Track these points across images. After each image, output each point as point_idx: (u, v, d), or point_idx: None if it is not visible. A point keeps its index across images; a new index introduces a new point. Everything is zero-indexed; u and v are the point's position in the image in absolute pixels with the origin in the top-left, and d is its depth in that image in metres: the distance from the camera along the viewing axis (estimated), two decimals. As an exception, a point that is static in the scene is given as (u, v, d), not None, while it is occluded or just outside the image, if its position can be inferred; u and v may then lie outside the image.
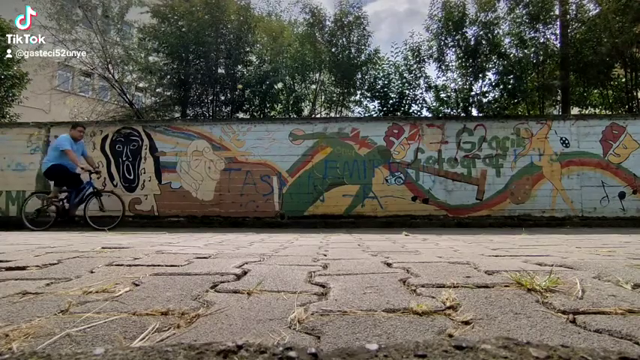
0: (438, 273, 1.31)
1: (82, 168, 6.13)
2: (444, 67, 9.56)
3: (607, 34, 8.28)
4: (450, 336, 0.70)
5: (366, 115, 10.13)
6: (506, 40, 9.33)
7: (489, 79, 9.42)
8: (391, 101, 9.67)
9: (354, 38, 9.88)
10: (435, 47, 9.53)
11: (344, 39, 9.86)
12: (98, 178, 6.54)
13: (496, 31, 8.99)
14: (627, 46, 8.32)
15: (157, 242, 2.79)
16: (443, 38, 9.30)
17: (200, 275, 1.28)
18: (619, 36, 8.00)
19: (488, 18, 9.07)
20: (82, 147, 6.36)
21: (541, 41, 9.29)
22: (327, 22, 10.05)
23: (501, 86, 9.26)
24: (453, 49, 9.38)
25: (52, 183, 6.63)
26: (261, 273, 1.34)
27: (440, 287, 1.08)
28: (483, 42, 9.05)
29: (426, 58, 9.58)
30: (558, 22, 9.19)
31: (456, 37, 9.25)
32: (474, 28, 9.16)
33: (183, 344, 0.55)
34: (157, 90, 10.30)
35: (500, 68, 9.10)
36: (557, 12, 9.13)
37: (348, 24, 9.82)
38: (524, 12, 9.18)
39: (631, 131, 7.30)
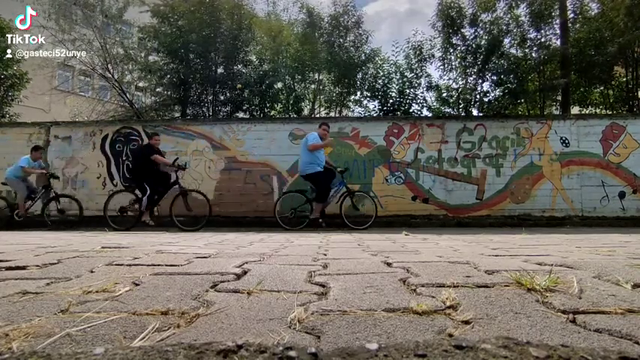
0: (438, 272, 1.31)
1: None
2: (445, 67, 9.56)
3: (610, 34, 8.27)
4: (450, 335, 0.70)
5: (366, 114, 10.13)
6: (507, 40, 9.33)
7: (491, 79, 9.41)
8: (391, 101, 9.66)
9: (351, 38, 9.87)
10: (437, 46, 9.53)
11: (340, 39, 9.85)
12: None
13: (496, 31, 8.97)
14: (630, 45, 8.32)
15: (156, 242, 2.79)
16: (445, 37, 9.29)
17: (200, 275, 1.28)
18: (622, 35, 7.98)
19: (489, 18, 9.07)
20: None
21: (542, 41, 9.29)
22: (324, 22, 10.04)
23: (502, 86, 9.26)
24: (455, 49, 9.37)
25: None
26: (261, 273, 1.34)
27: (440, 287, 1.08)
28: (484, 42, 9.04)
29: (427, 57, 9.57)
30: (558, 22, 9.18)
31: (458, 37, 9.25)
32: (474, 28, 9.16)
33: (183, 344, 0.55)
34: (157, 90, 10.31)
35: (501, 69, 9.09)
36: (558, 11, 9.12)
37: (345, 24, 9.82)
38: (526, 11, 9.18)
39: (631, 131, 7.31)
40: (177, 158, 6.38)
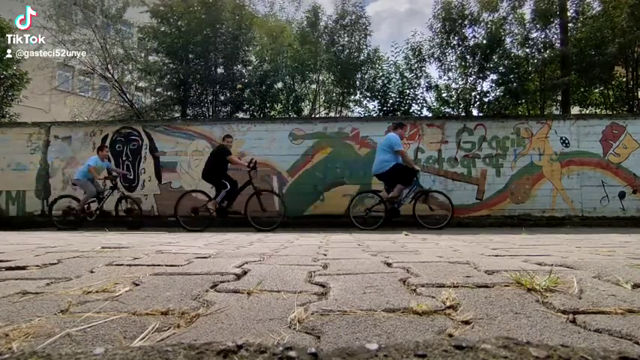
0: (438, 273, 1.31)
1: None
2: (445, 67, 9.56)
3: (611, 34, 8.27)
4: (450, 336, 0.70)
5: (366, 114, 10.13)
6: (508, 40, 9.33)
7: (491, 79, 9.42)
8: (391, 101, 9.66)
9: (355, 38, 9.87)
10: (437, 46, 9.52)
11: (344, 39, 9.85)
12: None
13: (498, 30, 8.97)
14: (631, 45, 8.32)
15: (156, 242, 2.79)
16: (445, 37, 9.29)
17: (200, 275, 1.28)
18: (623, 35, 7.98)
19: (490, 18, 9.06)
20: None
21: (545, 40, 9.29)
22: (328, 22, 10.05)
23: (503, 86, 9.26)
24: (455, 49, 9.37)
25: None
26: (261, 273, 1.34)
27: (440, 287, 1.08)
28: (485, 42, 9.04)
29: (427, 57, 9.57)
30: (558, 21, 9.18)
31: (458, 37, 9.24)
32: (476, 28, 9.16)
33: (183, 344, 0.55)
34: (157, 90, 10.30)
35: (503, 69, 9.09)
36: (558, 11, 9.12)
37: (350, 23, 9.81)
38: (528, 11, 9.19)
39: (631, 131, 7.30)
40: (253, 159, 6.31)
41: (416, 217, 5.97)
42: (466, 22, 9.15)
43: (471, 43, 9.10)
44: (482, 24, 9.05)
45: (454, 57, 9.47)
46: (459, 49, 9.27)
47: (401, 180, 5.80)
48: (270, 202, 6.30)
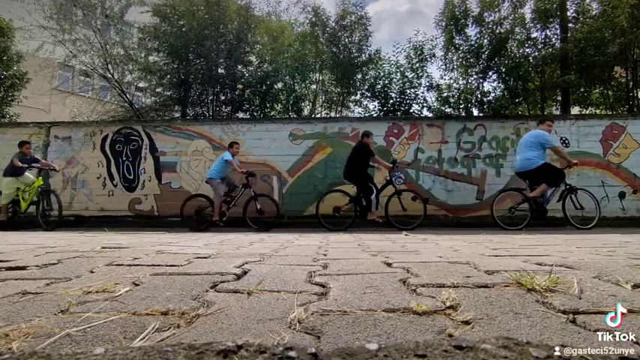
0: (438, 273, 1.31)
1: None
2: (447, 66, 9.56)
3: (610, 34, 8.27)
4: (450, 336, 0.70)
5: (366, 115, 10.14)
6: (510, 39, 9.32)
7: (492, 79, 9.42)
8: (391, 101, 9.66)
9: (356, 38, 9.87)
10: (439, 45, 9.53)
11: (346, 39, 9.85)
12: None
13: (499, 31, 8.97)
14: (631, 46, 8.32)
15: (156, 242, 2.79)
16: (448, 36, 9.29)
17: (200, 275, 1.28)
18: (623, 35, 7.98)
19: (492, 18, 9.06)
20: None
21: (546, 40, 9.29)
22: (329, 22, 10.04)
23: (503, 86, 9.26)
24: (457, 48, 9.37)
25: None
26: (261, 273, 1.34)
27: (440, 287, 1.08)
28: (487, 41, 9.04)
29: (429, 57, 9.56)
30: (558, 21, 9.18)
31: (461, 36, 9.24)
32: (479, 28, 9.15)
33: (183, 344, 0.55)
34: (157, 90, 10.30)
35: (503, 69, 9.09)
36: (558, 11, 9.12)
37: (351, 24, 9.81)
38: (528, 11, 9.19)
39: (631, 131, 7.31)
40: (394, 160, 6.24)
41: (566, 216, 5.63)
42: (469, 22, 9.15)
43: (475, 42, 9.10)
44: (484, 23, 9.04)
45: (457, 56, 9.47)
46: (462, 48, 9.27)
47: (548, 180, 5.46)
48: (412, 202, 6.08)
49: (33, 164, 6.47)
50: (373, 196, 5.79)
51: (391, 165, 6.03)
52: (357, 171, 5.93)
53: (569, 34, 9.07)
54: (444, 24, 9.32)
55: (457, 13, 9.09)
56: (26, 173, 6.43)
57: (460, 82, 9.52)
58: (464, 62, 9.41)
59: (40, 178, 6.55)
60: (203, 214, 6.39)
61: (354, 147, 6.26)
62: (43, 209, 6.35)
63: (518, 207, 5.70)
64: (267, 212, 6.25)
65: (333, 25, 9.93)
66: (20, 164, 6.25)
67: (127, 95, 9.99)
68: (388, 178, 6.14)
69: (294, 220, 7.24)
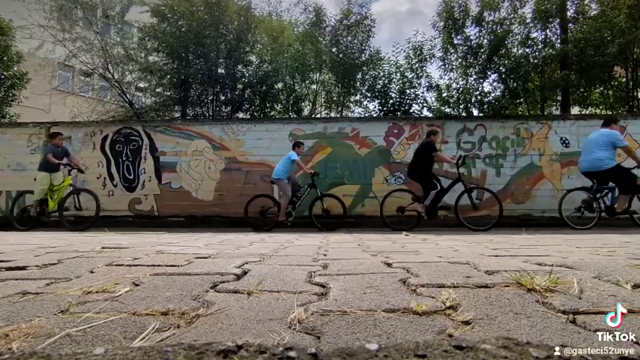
0: (438, 273, 1.31)
1: None
2: (446, 66, 9.55)
3: (610, 34, 8.28)
4: (450, 336, 0.70)
5: (366, 115, 10.14)
6: (509, 39, 9.32)
7: (492, 79, 9.42)
8: (391, 101, 9.66)
9: (358, 38, 9.86)
10: (438, 46, 9.53)
11: (347, 39, 9.84)
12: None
13: (499, 30, 8.97)
14: (630, 46, 8.33)
15: (156, 242, 2.79)
16: (447, 36, 9.29)
17: (200, 275, 1.28)
18: (623, 36, 7.99)
19: (492, 17, 9.06)
20: None
21: (544, 40, 9.29)
22: (331, 22, 10.04)
23: (503, 86, 9.26)
24: (457, 48, 9.37)
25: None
26: (261, 273, 1.34)
27: (440, 287, 1.08)
28: (486, 41, 9.04)
29: (428, 57, 9.56)
30: (558, 21, 9.18)
31: (460, 36, 9.24)
32: (478, 28, 9.15)
33: (183, 344, 0.55)
34: (157, 90, 10.30)
35: (503, 69, 9.08)
36: (558, 11, 9.12)
37: (354, 24, 9.81)
38: (528, 11, 9.19)
39: (631, 131, 7.31)
40: (462, 156, 6.07)
41: (634, 219, 5.51)
42: (468, 22, 9.14)
43: (475, 42, 9.09)
44: (484, 23, 9.04)
45: (456, 56, 9.47)
46: (462, 48, 9.27)
47: (622, 187, 5.27)
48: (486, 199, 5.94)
49: (65, 158, 6.24)
50: (433, 192, 5.70)
51: (454, 161, 5.89)
52: (421, 169, 5.85)
53: (569, 34, 9.07)
54: (440, 25, 9.32)
55: (456, 12, 9.09)
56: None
57: (460, 83, 9.52)
58: (463, 62, 9.41)
59: (70, 177, 6.31)
60: (268, 214, 6.34)
61: (419, 146, 6.19)
62: (75, 208, 6.18)
63: (591, 204, 5.44)
64: (333, 212, 6.20)
65: (336, 24, 9.92)
66: (55, 160, 6.00)
67: (127, 95, 9.99)
68: (457, 175, 5.89)
69: (294, 220, 7.24)
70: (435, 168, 7.47)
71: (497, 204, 5.75)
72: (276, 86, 9.99)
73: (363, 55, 9.92)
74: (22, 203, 6.72)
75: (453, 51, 9.41)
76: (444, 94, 9.73)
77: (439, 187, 5.75)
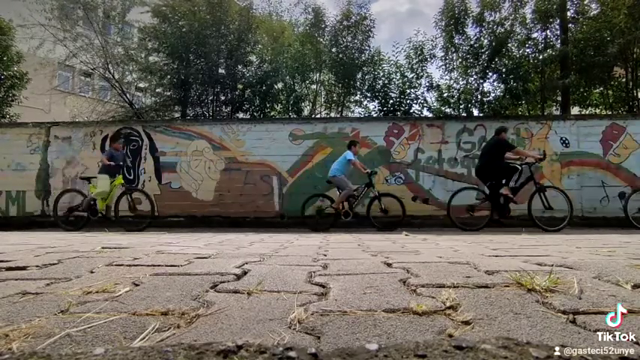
0: (438, 273, 1.31)
1: None
2: (447, 66, 9.55)
3: (610, 34, 8.28)
4: (450, 336, 0.70)
5: (366, 115, 10.13)
6: (509, 40, 9.32)
7: (492, 79, 9.42)
8: (391, 101, 9.66)
9: (358, 38, 9.86)
10: (439, 45, 9.53)
11: (347, 39, 9.85)
12: None
13: (500, 31, 8.97)
14: (630, 46, 8.33)
15: (156, 242, 2.79)
16: (448, 36, 9.29)
17: (200, 275, 1.28)
18: (623, 36, 7.99)
19: (492, 18, 9.06)
20: None
21: (544, 41, 9.29)
22: (330, 22, 10.05)
23: (503, 86, 9.26)
24: (457, 48, 9.36)
25: None
26: (261, 273, 1.34)
27: (440, 287, 1.08)
28: (487, 42, 9.04)
29: (429, 57, 9.56)
30: (558, 22, 9.19)
31: (461, 36, 9.24)
32: (479, 28, 9.15)
33: (183, 344, 0.55)
34: (157, 90, 10.30)
35: (503, 69, 9.08)
36: (558, 11, 9.13)
37: (355, 24, 9.81)
38: (529, 11, 9.19)
39: (631, 131, 7.30)
40: (540, 150, 5.84)
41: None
42: (469, 22, 9.14)
43: (475, 42, 9.09)
44: (485, 24, 9.04)
45: (456, 56, 9.46)
46: (463, 48, 9.27)
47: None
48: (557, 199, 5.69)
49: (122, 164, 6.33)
50: (501, 190, 5.60)
51: (540, 156, 5.73)
52: (492, 166, 5.66)
53: (569, 35, 9.07)
54: (443, 24, 9.32)
55: (457, 12, 9.09)
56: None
57: (460, 83, 9.52)
58: (464, 62, 9.41)
59: (120, 176, 6.27)
60: (324, 213, 6.29)
61: (488, 144, 6.05)
62: (129, 207, 6.16)
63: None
64: (391, 212, 6.11)
65: (336, 25, 9.92)
66: (109, 162, 6.07)
67: (127, 95, 9.98)
68: (529, 174, 5.68)
69: (294, 220, 7.23)
70: (435, 168, 7.50)
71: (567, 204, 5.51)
72: (276, 86, 9.99)
73: (362, 55, 9.92)
74: (66, 203, 6.60)
75: (453, 51, 9.41)
76: (445, 94, 9.72)
77: (513, 184, 5.56)
